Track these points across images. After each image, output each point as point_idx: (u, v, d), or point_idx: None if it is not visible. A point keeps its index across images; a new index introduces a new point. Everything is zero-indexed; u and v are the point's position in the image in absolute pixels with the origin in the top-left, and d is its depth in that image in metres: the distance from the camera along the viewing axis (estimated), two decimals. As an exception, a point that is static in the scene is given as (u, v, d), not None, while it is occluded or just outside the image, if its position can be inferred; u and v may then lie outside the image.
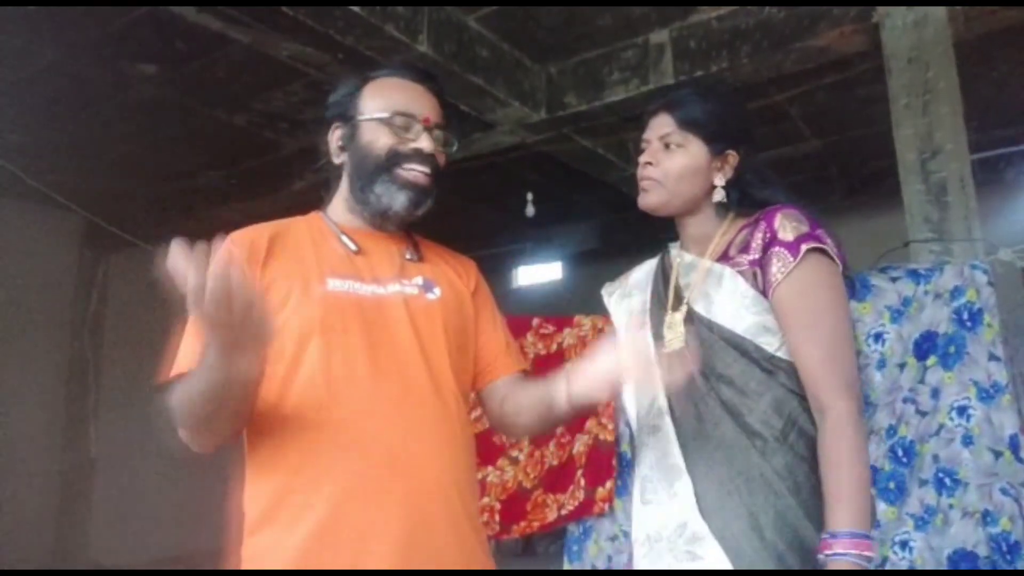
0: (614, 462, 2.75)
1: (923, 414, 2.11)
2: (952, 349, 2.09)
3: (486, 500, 2.80)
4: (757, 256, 1.13)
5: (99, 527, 5.33)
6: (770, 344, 1.11)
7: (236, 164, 4.67)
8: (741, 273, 1.14)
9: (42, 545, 5.12)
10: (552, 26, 3.33)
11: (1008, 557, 1.93)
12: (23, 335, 5.13)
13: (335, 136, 1.20)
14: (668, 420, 1.16)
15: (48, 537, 5.18)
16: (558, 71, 3.66)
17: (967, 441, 2.03)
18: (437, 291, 1.19)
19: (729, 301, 1.14)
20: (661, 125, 1.23)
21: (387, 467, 1.04)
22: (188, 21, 3.09)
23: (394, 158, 1.15)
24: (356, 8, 2.70)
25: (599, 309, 1.40)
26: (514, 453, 2.87)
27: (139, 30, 3.17)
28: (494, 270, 7.08)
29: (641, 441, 1.22)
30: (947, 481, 2.04)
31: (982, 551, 1.97)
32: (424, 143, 1.16)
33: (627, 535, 2.60)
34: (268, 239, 1.13)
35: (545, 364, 2.82)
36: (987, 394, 2.03)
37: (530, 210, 4.40)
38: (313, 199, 1.27)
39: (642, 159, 1.24)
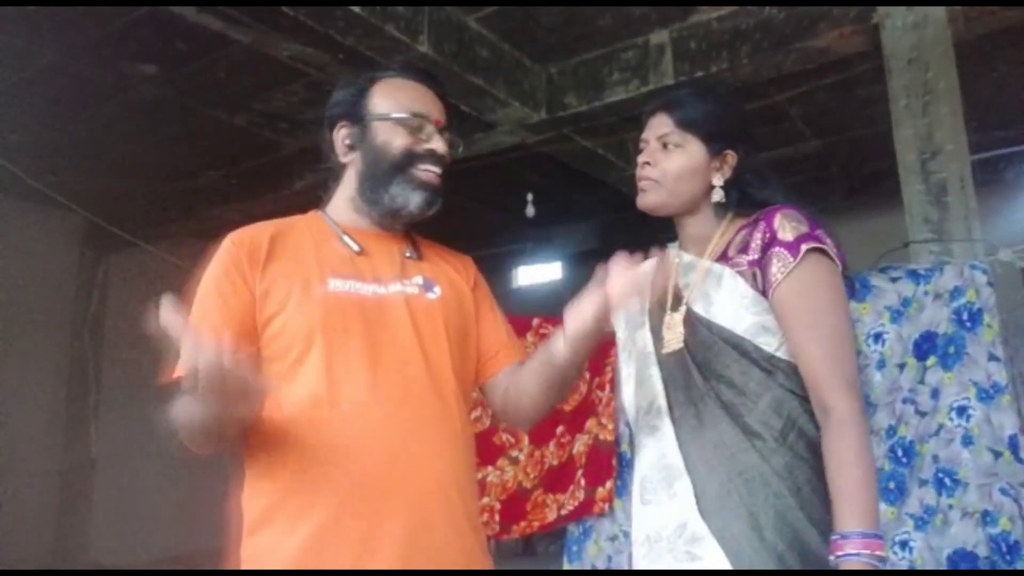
0: (614, 462, 2.75)
1: (923, 414, 2.11)
2: (952, 349, 2.09)
3: (486, 500, 2.80)
4: (757, 256, 1.13)
5: (99, 527, 5.33)
6: (769, 344, 1.11)
7: (236, 164, 4.67)
8: (740, 273, 1.14)
9: (42, 545, 5.12)
10: (552, 26, 3.33)
11: (1008, 557, 1.93)
12: (23, 335, 5.13)
13: (341, 135, 1.19)
14: (667, 420, 1.16)
15: (48, 537, 5.18)
16: (558, 71, 3.66)
17: (967, 441, 2.03)
18: (437, 290, 1.19)
19: (729, 301, 1.14)
20: (659, 125, 1.23)
21: (388, 467, 1.04)
22: (188, 21, 3.09)
23: (409, 158, 1.16)
24: (356, 8, 2.70)
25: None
26: (514, 453, 2.88)
27: (139, 30, 3.18)
28: (494, 270, 7.09)
29: (640, 441, 1.22)
30: (947, 481, 2.04)
31: (982, 551, 1.97)
32: (437, 144, 1.18)
33: (627, 535, 2.60)
34: (269, 239, 1.13)
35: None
36: (987, 394, 2.03)
37: (530, 210, 4.40)
38: (313, 199, 1.27)
39: (640, 159, 1.24)
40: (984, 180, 3.02)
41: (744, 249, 1.16)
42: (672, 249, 1.30)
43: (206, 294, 1.09)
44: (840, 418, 1.04)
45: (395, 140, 1.16)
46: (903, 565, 2.06)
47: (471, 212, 5.35)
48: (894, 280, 2.21)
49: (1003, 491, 1.97)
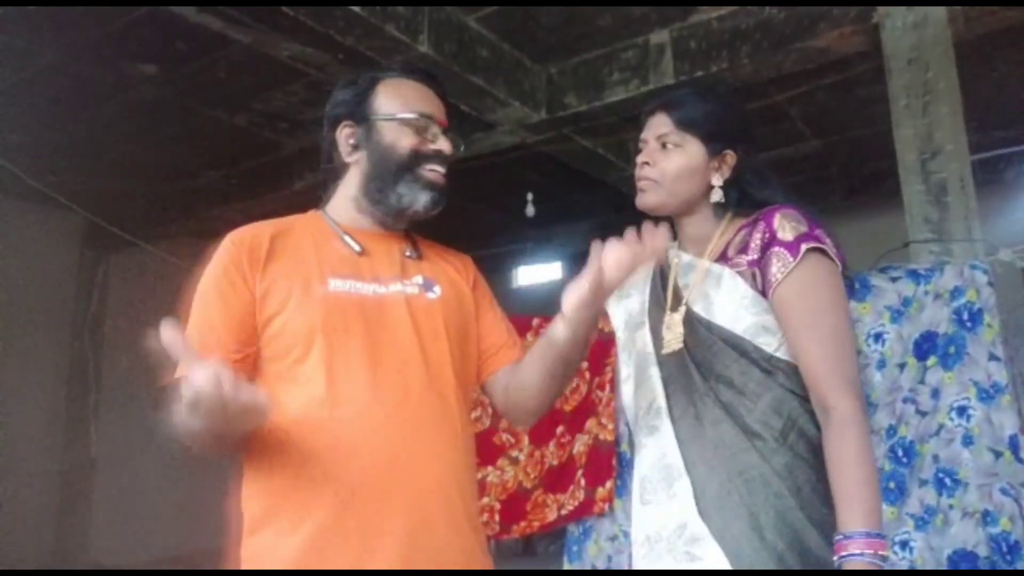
0: (614, 462, 2.75)
1: (923, 414, 2.11)
2: (952, 349, 2.09)
3: (486, 500, 2.80)
4: (756, 256, 1.13)
5: (99, 527, 5.33)
6: (769, 344, 1.11)
7: (236, 164, 4.67)
8: (740, 273, 1.14)
9: (42, 545, 5.12)
10: (552, 26, 3.33)
11: (1008, 557, 1.93)
12: (23, 335, 5.13)
13: (345, 135, 1.19)
14: (667, 420, 1.16)
15: (48, 537, 5.18)
16: (558, 71, 3.66)
17: (967, 441, 2.03)
18: (437, 290, 1.19)
19: (728, 302, 1.14)
20: (659, 125, 1.23)
21: (388, 467, 1.04)
22: (188, 21, 3.09)
23: (416, 158, 1.17)
24: (356, 8, 2.70)
25: (600, 309, 1.40)
26: (514, 453, 2.88)
27: (139, 30, 3.18)
28: (494, 270, 7.09)
29: (640, 442, 1.22)
30: (947, 481, 2.04)
31: (982, 551, 1.97)
32: (443, 144, 1.19)
33: (627, 535, 2.60)
34: (269, 239, 1.13)
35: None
36: (987, 394, 2.03)
37: (530, 210, 4.40)
38: (313, 199, 1.27)
39: (639, 159, 1.24)
40: (984, 180, 3.02)
41: (744, 249, 1.16)
42: (671, 249, 1.30)
43: (206, 293, 1.09)
44: (841, 418, 1.04)
45: (402, 140, 1.17)
46: (903, 565, 2.06)
47: (471, 212, 5.35)
48: (894, 280, 2.21)
49: (1003, 491, 1.97)
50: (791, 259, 1.09)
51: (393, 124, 1.17)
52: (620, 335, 1.33)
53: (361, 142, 1.18)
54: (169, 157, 4.54)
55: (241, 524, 1.07)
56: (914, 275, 2.19)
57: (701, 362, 1.14)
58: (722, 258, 1.19)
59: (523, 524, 2.83)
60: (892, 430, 2.14)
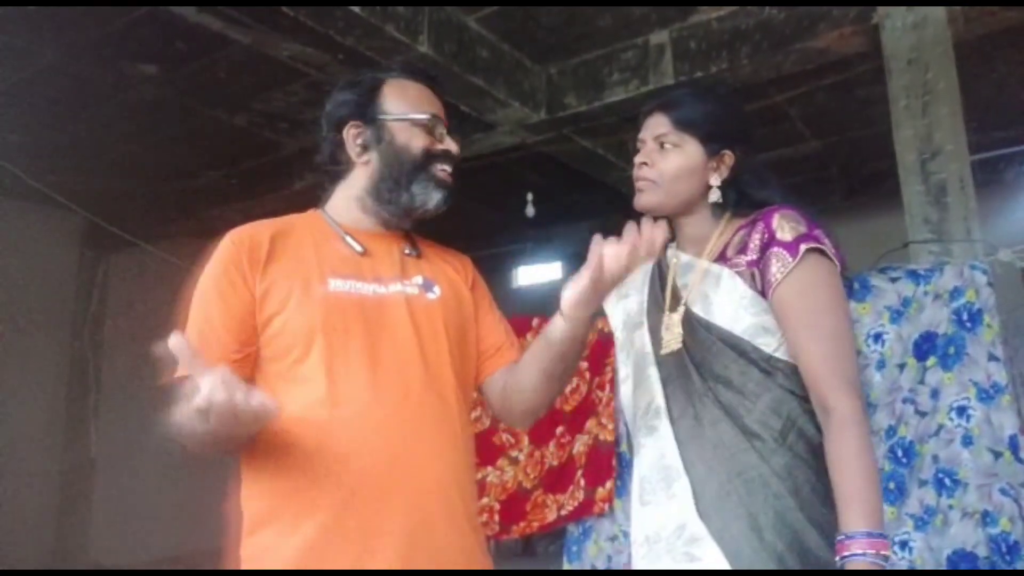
0: (614, 462, 2.75)
1: (923, 414, 2.11)
2: (952, 350, 2.09)
3: (486, 500, 2.80)
4: (755, 257, 1.13)
5: (99, 527, 5.33)
6: (768, 345, 1.11)
7: (236, 164, 4.67)
8: (739, 274, 1.14)
9: (42, 545, 5.12)
10: (552, 27, 3.33)
11: (1008, 558, 1.93)
12: (23, 335, 5.13)
13: (352, 135, 1.19)
14: (666, 421, 1.16)
15: (48, 537, 5.18)
16: (558, 72, 3.66)
17: (967, 441, 2.03)
18: (437, 290, 1.19)
19: (728, 302, 1.14)
20: (657, 125, 1.23)
21: (388, 467, 1.04)
22: (188, 21, 3.09)
23: (429, 158, 1.18)
24: (356, 8, 2.70)
25: (600, 310, 1.40)
26: (514, 453, 2.88)
27: (139, 30, 3.18)
28: (494, 270, 7.08)
29: (639, 442, 1.22)
30: (947, 481, 2.04)
31: (982, 551, 1.97)
32: (451, 144, 1.21)
33: (627, 535, 2.60)
34: (269, 238, 1.13)
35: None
36: (987, 394, 2.03)
37: (530, 210, 4.40)
38: (313, 199, 1.27)
39: (638, 159, 1.24)
40: (984, 181, 3.02)
41: (743, 249, 1.16)
42: (670, 249, 1.30)
43: (205, 293, 1.09)
44: (841, 418, 1.04)
45: (414, 141, 1.18)
46: (903, 565, 2.06)
47: (471, 212, 5.34)
48: (894, 280, 2.21)
49: (1003, 491, 1.97)
50: (790, 259, 1.09)
51: (404, 125, 1.18)
52: (618, 335, 1.33)
53: (371, 143, 1.19)
54: (169, 157, 4.54)
55: (241, 524, 1.07)
56: (914, 275, 2.19)
57: (700, 362, 1.14)
58: (721, 258, 1.19)
59: (523, 524, 2.83)
60: (892, 430, 2.14)
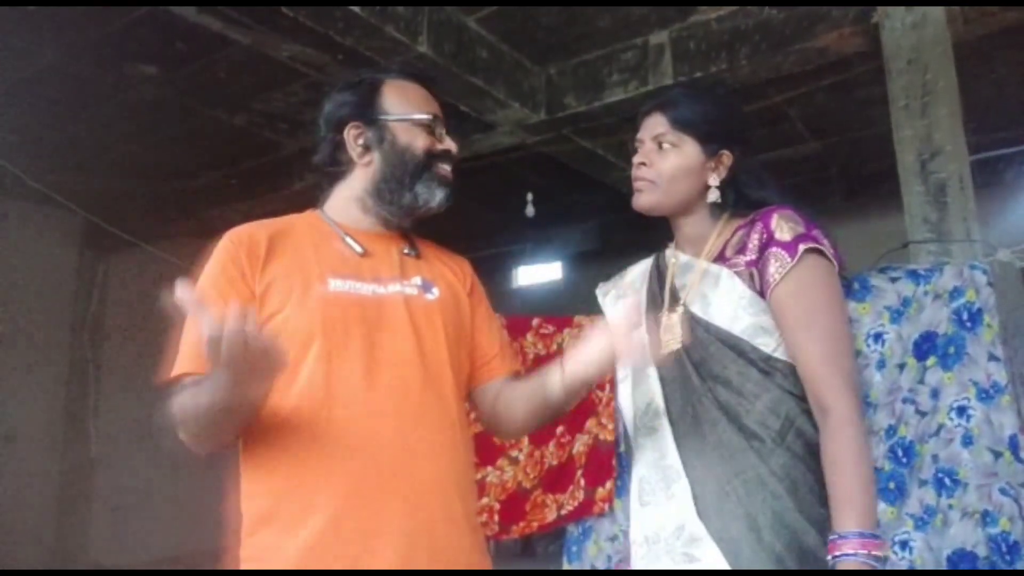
0: (614, 462, 2.75)
1: (923, 414, 2.11)
2: (952, 349, 2.09)
3: (485, 500, 2.79)
4: (754, 257, 1.13)
5: (99, 527, 5.33)
6: (767, 345, 1.11)
7: (236, 164, 4.67)
8: (738, 274, 1.14)
9: (42, 545, 5.12)
10: (552, 27, 3.33)
11: (1008, 557, 1.93)
12: (23, 335, 5.13)
13: (353, 136, 1.19)
14: (665, 421, 1.16)
15: (48, 537, 5.18)
16: (558, 72, 3.66)
17: (967, 441, 2.03)
18: (436, 291, 1.19)
19: (726, 302, 1.14)
20: (655, 125, 1.23)
21: (387, 467, 1.04)
22: (188, 22, 3.09)
23: (431, 158, 1.19)
24: (356, 9, 2.70)
25: (599, 309, 1.40)
26: (514, 453, 2.87)
27: (139, 30, 3.18)
28: (494, 270, 7.09)
29: (638, 443, 1.22)
30: (947, 481, 2.04)
31: (981, 551, 1.97)
32: (451, 144, 1.22)
33: (627, 535, 2.59)
34: (268, 238, 1.13)
35: (545, 364, 2.81)
36: (987, 394, 2.03)
37: (530, 210, 4.40)
38: (313, 199, 1.27)
39: (636, 159, 1.24)
40: (983, 181, 3.02)
41: (741, 250, 1.16)
42: (668, 249, 1.30)
43: (204, 291, 1.09)
44: (839, 418, 1.04)
45: (417, 141, 1.19)
46: (903, 565, 2.06)
47: (471, 212, 5.35)
48: (894, 280, 2.21)
49: (1003, 491, 1.97)
50: (789, 259, 1.09)
51: (406, 125, 1.19)
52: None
53: (373, 144, 1.19)
54: (169, 157, 4.54)
55: (241, 524, 1.07)
56: (914, 275, 2.19)
57: (699, 362, 1.14)
58: (720, 258, 1.19)
59: (522, 524, 2.83)
60: (892, 430, 2.14)
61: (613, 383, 2.79)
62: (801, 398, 1.10)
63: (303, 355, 1.06)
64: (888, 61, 2.76)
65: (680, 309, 1.19)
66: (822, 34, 2.96)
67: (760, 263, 1.12)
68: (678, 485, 1.12)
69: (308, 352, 1.06)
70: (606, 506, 2.73)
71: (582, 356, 1.08)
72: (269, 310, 1.08)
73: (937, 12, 2.69)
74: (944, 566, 2.00)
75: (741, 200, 1.22)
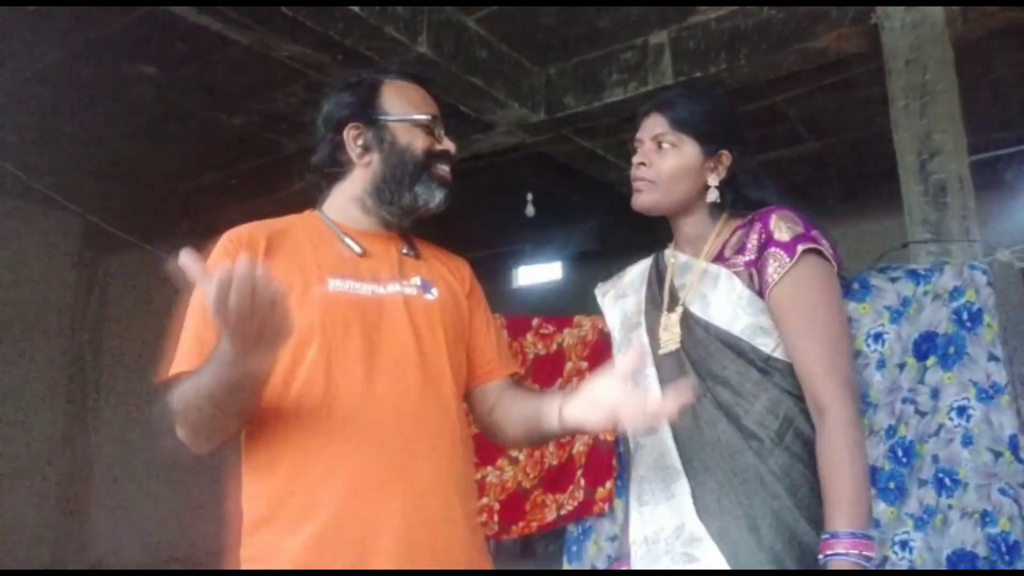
0: (614, 462, 2.75)
1: (923, 414, 2.11)
2: (952, 349, 2.09)
3: (485, 500, 2.79)
4: (753, 257, 1.13)
5: (99, 527, 5.33)
6: (766, 345, 1.12)
7: (236, 164, 4.67)
8: (737, 274, 1.15)
9: (42, 545, 5.12)
10: (552, 27, 3.33)
11: (1007, 557, 1.93)
12: (23, 335, 5.13)
13: (352, 136, 1.19)
14: (664, 421, 1.16)
15: (48, 537, 5.18)
16: (557, 72, 3.66)
17: (966, 441, 2.03)
18: (435, 292, 1.19)
19: (726, 302, 1.14)
20: (654, 125, 1.23)
21: (387, 468, 1.04)
22: (188, 22, 3.09)
23: (430, 159, 1.19)
24: (356, 9, 2.70)
25: (599, 309, 1.40)
26: (514, 453, 2.87)
27: (139, 30, 3.18)
28: (494, 270, 7.09)
29: (637, 443, 1.22)
30: (946, 481, 2.04)
31: (981, 551, 1.97)
32: (449, 144, 1.22)
33: (626, 534, 2.59)
34: (266, 238, 1.13)
35: (545, 364, 2.82)
36: (986, 394, 2.03)
37: (530, 210, 4.40)
38: (313, 199, 1.27)
39: (635, 159, 1.24)
40: (983, 181, 3.02)
41: (740, 250, 1.16)
42: (667, 249, 1.30)
43: (203, 292, 1.09)
44: (835, 418, 1.04)
45: (417, 142, 1.19)
46: (903, 565, 2.06)
47: (471, 212, 5.34)
48: (894, 280, 2.21)
49: (1002, 491, 1.97)
50: (788, 260, 1.09)
51: (405, 126, 1.19)
52: (616, 335, 1.33)
53: (373, 144, 1.19)
54: (169, 157, 4.54)
55: (241, 524, 1.07)
56: (913, 275, 2.19)
57: (698, 362, 1.14)
58: (719, 258, 1.19)
59: (522, 524, 2.82)
60: (892, 430, 2.14)
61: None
62: (800, 398, 1.10)
63: (302, 355, 1.06)
64: (887, 61, 2.76)
65: (679, 309, 1.19)
66: (822, 34, 2.96)
67: (759, 263, 1.12)
68: (677, 485, 1.12)
69: (307, 352, 1.06)
70: (606, 506, 2.73)
71: (585, 402, 1.07)
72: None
73: (936, 12, 2.69)
74: (944, 566, 2.00)
75: (740, 200, 1.22)
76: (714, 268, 1.18)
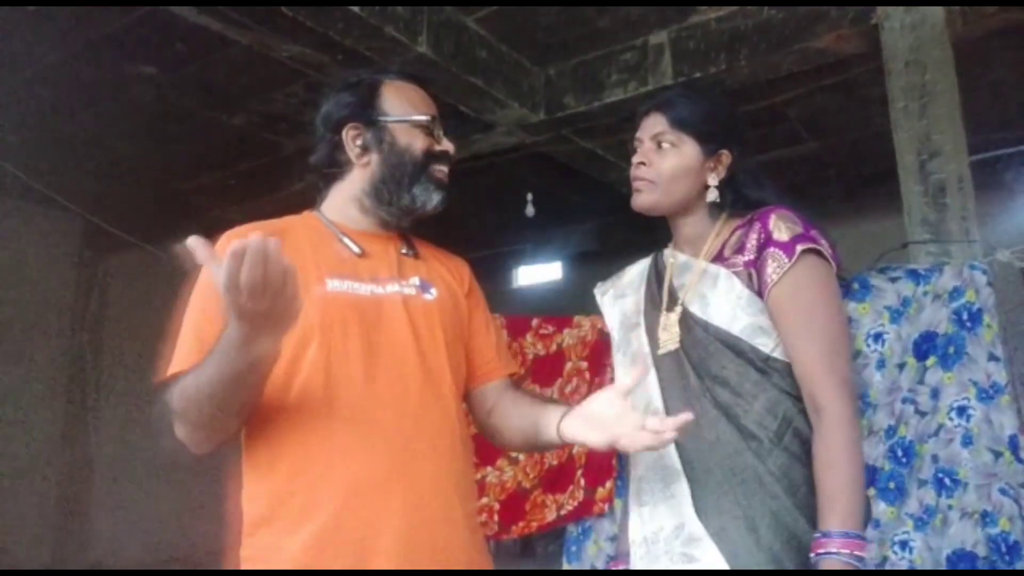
0: (614, 462, 2.75)
1: (923, 414, 2.11)
2: (952, 349, 2.09)
3: (485, 500, 2.79)
4: (752, 257, 1.13)
5: (99, 527, 5.33)
6: (765, 345, 1.12)
7: (236, 164, 4.67)
8: (736, 274, 1.15)
9: (42, 545, 5.12)
10: (551, 27, 3.33)
11: (1007, 558, 1.93)
12: (23, 335, 5.13)
13: (351, 136, 1.19)
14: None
15: (48, 537, 5.18)
16: (557, 72, 3.66)
17: (966, 441, 2.03)
18: (434, 292, 1.20)
19: (725, 302, 1.14)
20: (654, 125, 1.23)
21: (387, 468, 1.04)
22: (188, 22, 3.09)
23: (428, 159, 1.19)
24: (356, 9, 2.70)
25: (598, 309, 1.41)
26: (514, 453, 2.87)
27: (139, 31, 3.18)
28: (494, 270, 7.09)
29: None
30: (946, 481, 2.05)
31: (981, 551, 1.97)
32: (448, 145, 1.22)
33: (626, 534, 2.59)
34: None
35: (544, 364, 2.82)
36: (986, 394, 2.03)
37: (530, 210, 4.40)
38: (312, 200, 1.27)
39: (635, 159, 1.25)
40: (982, 181, 3.02)
41: (740, 250, 1.16)
42: (666, 249, 1.30)
43: (203, 290, 1.09)
44: (832, 417, 1.04)
45: (416, 142, 1.19)
46: (903, 565, 2.06)
47: (471, 212, 5.34)
48: (893, 280, 2.21)
49: (1003, 491, 1.97)
50: (787, 260, 1.09)
51: (405, 127, 1.19)
52: (615, 335, 1.33)
53: (372, 145, 1.19)
54: (169, 157, 4.54)
55: (241, 524, 1.07)
56: (913, 275, 2.19)
57: (697, 362, 1.14)
58: (718, 258, 1.19)
59: (522, 524, 2.82)
60: (891, 430, 2.14)
61: (612, 383, 2.79)
62: (799, 398, 1.10)
63: (302, 355, 1.06)
64: (887, 62, 2.76)
65: (678, 309, 1.19)
66: (821, 34, 2.96)
67: (758, 263, 1.12)
68: (677, 485, 1.13)
69: (307, 352, 1.06)
70: (606, 506, 2.73)
71: (581, 427, 1.07)
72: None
73: (936, 13, 2.69)
74: (944, 566, 2.00)
75: (739, 200, 1.23)
76: (713, 268, 1.18)
